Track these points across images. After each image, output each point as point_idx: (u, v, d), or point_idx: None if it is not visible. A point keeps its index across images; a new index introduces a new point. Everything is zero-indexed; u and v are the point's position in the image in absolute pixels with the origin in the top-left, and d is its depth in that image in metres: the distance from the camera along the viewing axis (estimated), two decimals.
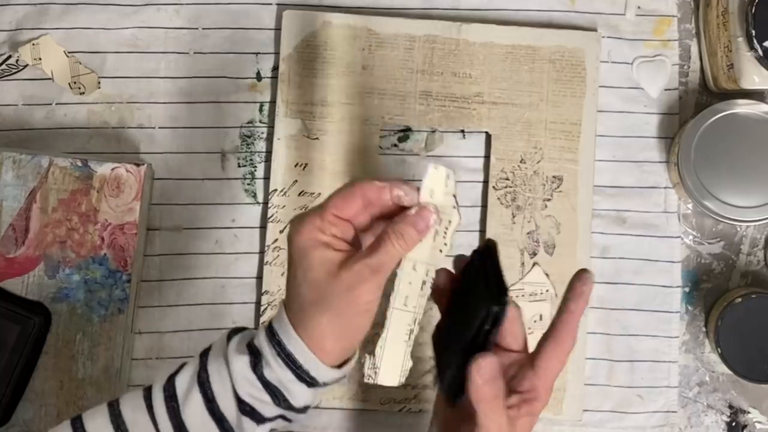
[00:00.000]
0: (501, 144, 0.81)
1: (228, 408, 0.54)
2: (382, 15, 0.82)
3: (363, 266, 0.52)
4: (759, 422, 0.80)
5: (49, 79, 0.82)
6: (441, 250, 0.56)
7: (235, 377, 0.53)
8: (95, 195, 0.77)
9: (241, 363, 0.53)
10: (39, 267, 0.76)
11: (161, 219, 0.81)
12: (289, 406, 0.54)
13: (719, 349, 0.76)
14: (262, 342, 0.53)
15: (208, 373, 0.54)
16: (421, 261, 0.55)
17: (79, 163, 0.77)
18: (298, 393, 0.54)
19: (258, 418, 0.54)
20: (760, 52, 0.74)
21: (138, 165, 0.78)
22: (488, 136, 0.82)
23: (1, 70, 0.82)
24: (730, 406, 0.81)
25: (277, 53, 0.82)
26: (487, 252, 0.56)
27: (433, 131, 0.82)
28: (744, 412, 0.81)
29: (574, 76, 0.81)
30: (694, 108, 0.83)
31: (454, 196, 0.56)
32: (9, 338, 0.74)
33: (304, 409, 0.56)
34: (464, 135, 0.82)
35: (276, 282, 0.79)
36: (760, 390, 0.80)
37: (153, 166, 0.81)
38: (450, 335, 0.57)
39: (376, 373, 0.57)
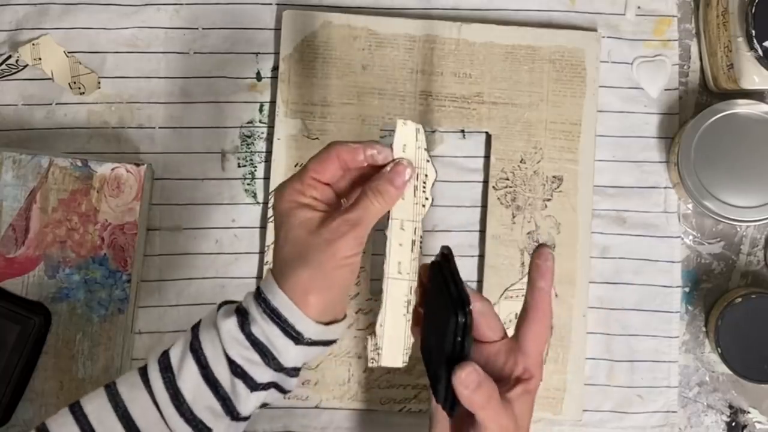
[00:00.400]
0: (501, 144, 0.81)
1: (221, 372, 0.55)
2: (382, 15, 0.82)
3: (341, 221, 0.54)
4: (759, 422, 0.80)
5: (49, 79, 0.82)
6: (424, 205, 0.57)
7: (224, 338, 0.54)
8: (95, 195, 0.77)
9: (229, 324, 0.54)
10: (39, 267, 0.76)
11: (161, 219, 0.81)
12: (279, 366, 0.55)
13: (719, 349, 0.76)
14: (249, 302, 0.55)
15: (200, 340, 0.55)
16: (407, 219, 0.56)
17: (79, 163, 0.77)
18: (285, 349, 0.54)
19: (251, 384, 0.55)
20: (760, 52, 0.74)
21: (138, 165, 0.78)
22: (488, 136, 0.82)
23: (1, 70, 0.82)
24: (730, 406, 0.81)
25: (277, 53, 0.82)
26: (445, 260, 0.56)
27: (433, 131, 0.82)
28: (744, 412, 0.81)
29: (574, 76, 0.81)
30: (694, 108, 0.83)
31: (426, 151, 0.57)
32: (9, 338, 0.74)
33: (294, 371, 0.56)
34: (464, 135, 0.82)
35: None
36: (760, 390, 0.80)
37: (153, 166, 0.81)
38: (431, 347, 0.57)
39: (378, 354, 0.57)
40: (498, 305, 0.79)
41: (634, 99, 0.83)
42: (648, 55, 0.83)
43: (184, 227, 0.81)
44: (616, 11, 0.83)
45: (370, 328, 0.79)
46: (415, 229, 0.57)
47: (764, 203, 0.77)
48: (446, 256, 0.57)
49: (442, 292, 0.55)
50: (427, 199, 0.57)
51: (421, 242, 0.57)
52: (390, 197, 0.55)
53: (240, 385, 0.55)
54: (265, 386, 0.56)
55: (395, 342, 0.57)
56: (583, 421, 0.80)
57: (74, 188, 0.77)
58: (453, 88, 0.81)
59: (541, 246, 0.58)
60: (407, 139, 0.56)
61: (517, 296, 0.79)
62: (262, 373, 0.55)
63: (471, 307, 0.53)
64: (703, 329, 0.81)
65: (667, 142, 0.82)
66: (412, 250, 0.57)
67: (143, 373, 0.56)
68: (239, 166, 0.82)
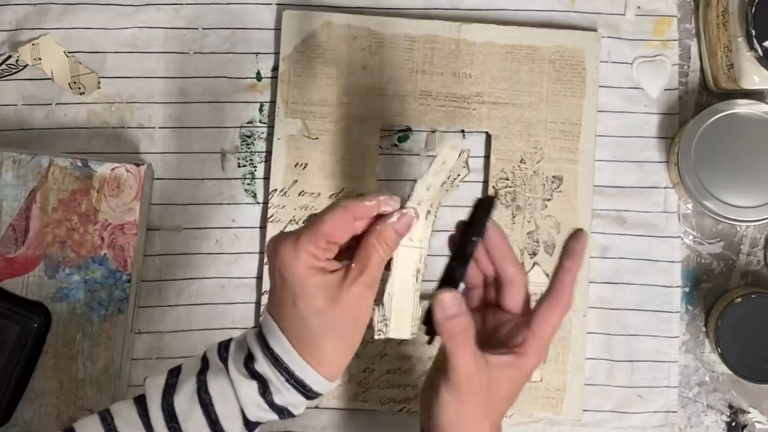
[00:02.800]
0: (501, 144, 0.81)
1: (232, 427, 0.55)
2: (382, 15, 0.82)
3: (359, 285, 0.53)
4: (759, 422, 0.80)
5: (49, 79, 0.82)
6: (447, 190, 0.56)
7: (243, 402, 0.54)
8: (95, 195, 0.77)
9: (248, 389, 0.54)
10: (39, 267, 0.76)
11: (161, 219, 0.81)
12: (290, 415, 0.56)
13: (719, 349, 0.76)
14: (266, 369, 0.54)
15: (210, 395, 0.54)
16: (426, 199, 0.55)
17: (79, 163, 0.77)
18: (301, 407, 0.56)
19: (256, 426, 0.56)
20: (760, 52, 0.74)
21: (138, 165, 0.78)
22: (488, 136, 0.82)
23: (1, 70, 0.82)
24: (730, 406, 0.81)
25: (277, 53, 0.82)
26: (488, 201, 0.56)
27: (433, 131, 0.82)
28: (744, 412, 0.81)
29: (574, 76, 0.81)
30: (694, 108, 0.83)
31: (467, 161, 0.56)
32: (9, 338, 0.74)
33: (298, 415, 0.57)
34: (464, 135, 0.82)
35: None
36: (760, 390, 0.80)
37: (153, 166, 0.81)
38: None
39: (386, 326, 0.56)
40: None
41: (634, 99, 0.83)
42: (648, 55, 0.83)
43: (184, 227, 0.81)
44: (616, 11, 0.83)
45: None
46: (432, 203, 0.56)
47: (764, 203, 0.77)
48: (494, 198, 0.57)
49: (467, 224, 0.55)
50: (452, 186, 0.56)
51: (436, 213, 0.56)
52: (396, 245, 0.55)
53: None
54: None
55: (403, 313, 0.57)
56: (583, 421, 0.80)
57: (74, 188, 0.77)
58: (453, 88, 0.81)
59: (578, 230, 0.57)
60: (445, 165, 0.55)
61: None
62: (271, 422, 0.57)
63: (483, 238, 0.53)
64: (703, 329, 0.81)
65: (667, 142, 0.82)
66: (426, 218, 0.56)
67: (143, 413, 0.55)
68: (239, 166, 0.82)
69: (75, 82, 0.82)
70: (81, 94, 0.82)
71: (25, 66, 0.82)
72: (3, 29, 0.82)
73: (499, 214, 0.80)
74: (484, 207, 0.56)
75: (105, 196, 0.77)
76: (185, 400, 0.55)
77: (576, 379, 0.79)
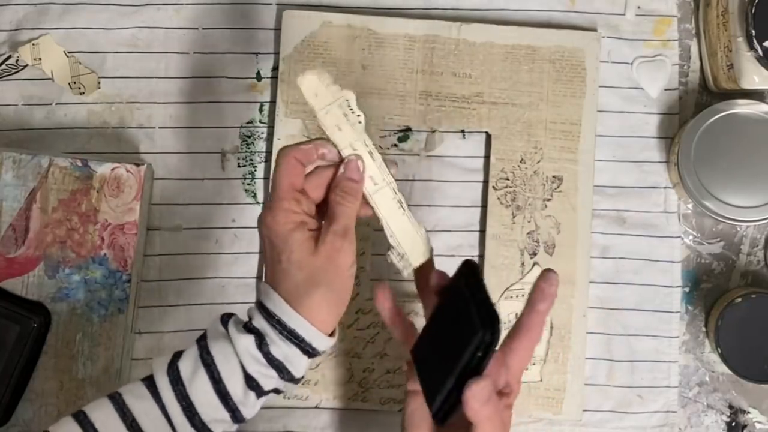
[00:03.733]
0: (501, 144, 0.81)
1: (235, 385, 0.57)
2: (382, 15, 0.82)
3: (333, 235, 0.58)
4: (759, 422, 0.80)
5: (49, 79, 0.82)
6: (360, 122, 0.60)
7: (242, 356, 0.57)
8: (95, 195, 0.77)
9: (246, 342, 0.57)
10: (39, 267, 0.76)
11: (161, 219, 0.81)
12: (291, 378, 0.58)
13: (719, 349, 0.76)
14: (262, 323, 0.57)
15: (212, 355, 0.57)
16: (353, 141, 0.60)
17: (79, 163, 0.77)
18: (299, 364, 0.58)
19: (260, 393, 0.58)
20: (760, 52, 0.74)
21: (138, 165, 0.78)
22: (488, 136, 0.82)
23: (1, 70, 0.82)
24: (730, 406, 0.81)
25: (277, 53, 0.82)
26: (471, 273, 0.56)
27: (433, 131, 0.82)
28: (744, 412, 0.81)
29: (574, 76, 0.81)
30: (694, 108, 0.83)
31: (334, 83, 0.60)
32: (9, 338, 0.74)
33: (300, 379, 0.60)
34: (464, 135, 0.82)
35: None
36: (760, 390, 0.80)
37: (153, 166, 0.81)
38: (435, 356, 0.58)
39: (406, 259, 0.60)
40: (498, 305, 0.79)
41: (634, 99, 0.83)
42: (648, 55, 0.83)
43: (184, 227, 0.81)
44: (616, 11, 0.83)
45: (370, 328, 0.79)
46: (365, 142, 0.60)
47: (764, 203, 0.77)
48: (473, 269, 0.57)
49: (464, 305, 0.55)
50: (358, 116, 0.60)
51: (376, 149, 0.60)
52: (357, 192, 0.59)
53: (251, 395, 0.58)
54: (269, 391, 0.59)
55: (412, 239, 0.61)
56: (583, 421, 0.80)
57: (74, 188, 0.77)
58: (453, 88, 0.81)
59: (548, 270, 0.59)
60: (320, 98, 0.59)
61: (517, 296, 0.79)
62: (273, 384, 0.58)
63: (499, 327, 0.53)
64: (703, 329, 0.81)
65: (667, 142, 0.82)
66: (373, 159, 0.60)
67: (150, 384, 0.57)
68: (239, 166, 0.82)
69: (75, 82, 0.82)
70: (81, 94, 0.82)
71: (25, 66, 0.82)
72: (3, 29, 0.82)
73: (500, 214, 0.80)
74: (475, 278, 0.56)
75: (105, 196, 0.77)
76: (189, 364, 0.57)
77: (576, 379, 0.79)
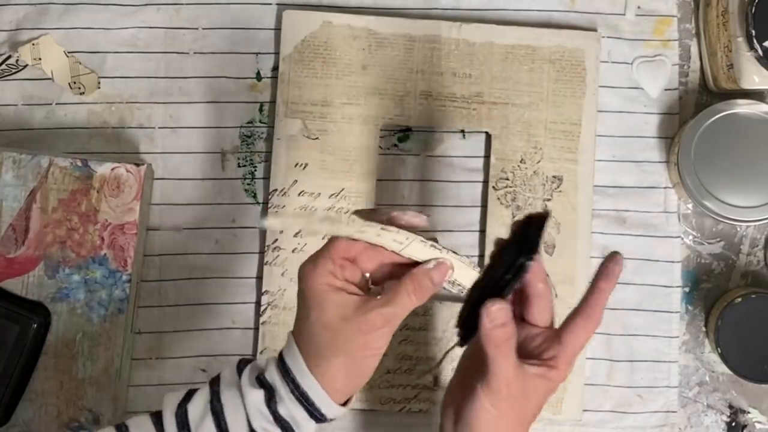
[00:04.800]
0: (501, 144, 0.81)
1: None
2: (382, 15, 0.82)
3: (377, 314, 0.55)
4: (759, 422, 0.80)
5: (49, 79, 0.82)
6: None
7: (249, 410, 0.55)
8: (95, 195, 0.77)
9: (255, 397, 0.55)
10: (39, 267, 0.76)
11: (161, 219, 0.81)
12: None
13: (719, 349, 0.76)
14: (275, 378, 0.56)
15: (222, 403, 0.56)
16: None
17: (79, 163, 0.77)
18: (306, 427, 0.56)
19: None
20: (760, 52, 0.74)
21: (138, 165, 0.78)
22: (488, 136, 0.82)
23: (1, 70, 0.82)
24: (730, 406, 0.81)
25: (277, 53, 0.82)
26: (538, 219, 0.56)
27: (433, 131, 0.82)
28: (744, 412, 0.81)
29: (574, 76, 0.81)
30: (694, 108, 0.83)
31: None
32: (9, 338, 0.74)
33: None
34: (464, 135, 0.82)
35: (276, 282, 0.79)
36: (760, 390, 0.80)
37: (153, 166, 0.81)
38: (476, 284, 0.58)
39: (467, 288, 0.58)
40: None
41: (634, 99, 0.83)
42: (648, 55, 0.83)
43: (184, 227, 0.81)
44: (616, 11, 0.83)
45: None
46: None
47: (764, 203, 0.77)
48: (543, 217, 0.56)
49: (514, 244, 0.55)
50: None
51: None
52: (427, 294, 0.57)
53: None
54: None
55: (466, 273, 0.58)
56: (583, 421, 0.80)
57: (74, 188, 0.77)
58: (453, 88, 0.81)
59: (615, 252, 0.58)
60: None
61: None
62: None
63: (535, 259, 0.53)
64: (703, 329, 0.81)
65: (667, 142, 0.82)
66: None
67: (157, 421, 0.56)
68: (239, 166, 0.82)
69: (75, 82, 0.82)
70: (81, 94, 0.82)
71: (25, 66, 0.82)
72: (3, 29, 0.82)
73: (500, 214, 0.80)
74: (537, 224, 0.56)
75: (105, 196, 0.77)
76: (199, 409, 0.56)
77: (576, 379, 0.79)
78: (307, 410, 0.55)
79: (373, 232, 0.56)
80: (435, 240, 0.57)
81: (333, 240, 0.56)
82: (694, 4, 0.84)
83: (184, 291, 0.80)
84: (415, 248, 0.56)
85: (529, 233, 0.55)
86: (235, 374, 0.57)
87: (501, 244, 0.58)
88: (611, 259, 0.58)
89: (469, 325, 0.55)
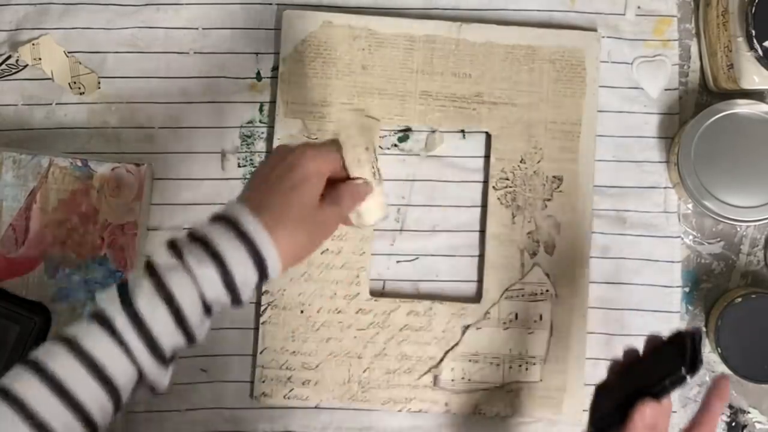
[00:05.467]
0: (501, 144, 0.81)
1: (193, 315, 0.57)
2: (382, 15, 0.82)
3: (336, 214, 0.62)
4: (759, 422, 0.80)
5: (49, 79, 0.82)
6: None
7: (202, 285, 0.56)
8: (95, 195, 0.77)
9: (209, 272, 0.56)
10: (39, 267, 0.76)
11: (161, 219, 0.81)
12: (237, 301, 0.58)
13: (719, 349, 0.76)
14: (226, 245, 0.57)
15: (170, 288, 0.56)
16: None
17: (79, 163, 0.77)
18: (250, 291, 0.59)
19: (209, 314, 0.58)
20: (760, 52, 0.74)
21: (138, 165, 0.78)
22: (488, 136, 0.82)
23: (1, 70, 0.82)
24: (730, 406, 0.81)
25: (277, 53, 0.82)
26: (694, 337, 0.59)
27: (433, 131, 0.82)
28: (744, 412, 0.81)
29: (574, 76, 0.81)
30: (694, 108, 0.83)
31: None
32: (9, 338, 0.74)
33: (242, 305, 0.59)
34: (464, 135, 0.82)
35: (276, 282, 0.79)
36: (760, 390, 0.80)
37: (153, 166, 0.81)
38: (620, 382, 0.61)
39: (361, 216, 0.66)
40: (498, 305, 0.79)
41: (634, 99, 0.83)
42: (648, 55, 0.83)
43: (184, 227, 0.81)
44: (616, 11, 0.84)
45: (370, 328, 0.79)
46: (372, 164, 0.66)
47: (764, 203, 0.77)
48: (699, 336, 0.59)
49: (671, 349, 0.58)
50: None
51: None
52: (356, 202, 0.64)
53: (206, 320, 0.58)
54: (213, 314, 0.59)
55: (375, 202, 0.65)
56: (583, 421, 0.79)
57: (74, 188, 0.77)
58: (453, 88, 0.81)
59: (723, 375, 0.61)
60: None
61: (516, 296, 0.79)
62: (218, 308, 0.58)
63: (690, 379, 0.56)
64: (703, 329, 0.81)
65: (667, 142, 0.82)
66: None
67: (104, 323, 0.55)
68: (239, 166, 0.82)
69: (75, 82, 0.82)
70: (81, 94, 0.82)
71: (25, 66, 0.82)
72: (3, 29, 0.82)
73: (500, 214, 0.80)
74: (697, 340, 0.58)
75: (105, 196, 0.77)
76: (146, 300, 0.56)
77: (576, 379, 0.79)
78: (260, 275, 0.58)
79: (364, 156, 0.65)
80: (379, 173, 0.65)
81: (337, 148, 0.64)
82: (694, 4, 0.84)
83: None
84: (368, 175, 0.65)
85: (693, 347, 0.57)
86: (172, 256, 0.57)
87: (656, 343, 0.61)
88: (722, 379, 0.60)
89: (608, 420, 0.58)
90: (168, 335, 0.56)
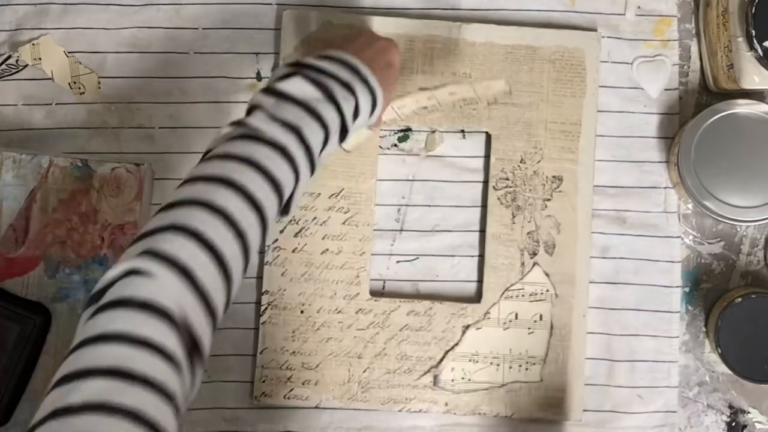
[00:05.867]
0: (501, 144, 0.81)
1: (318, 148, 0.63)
2: (382, 15, 0.82)
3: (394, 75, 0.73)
4: (759, 422, 0.80)
5: (49, 79, 0.82)
6: None
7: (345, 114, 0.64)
8: (95, 195, 0.77)
9: (348, 107, 0.64)
10: (39, 267, 0.76)
11: None
12: (342, 139, 0.65)
13: (719, 349, 0.76)
14: (357, 86, 0.65)
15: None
16: None
17: (79, 163, 0.77)
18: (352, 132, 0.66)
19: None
20: (760, 52, 0.74)
21: (138, 165, 0.78)
22: (488, 136, 0.82)
23: (1, 70, 0.82)
24: (730, 406, 0.81)
25: (277, 53, 0.82)
26: None
27: (433, 131, 0.82)
28: (744, 412, 0.81)
29: (574, 76, 0.81)
30: (694, 108, 0.83)
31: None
32: (9, 338, 0.74)
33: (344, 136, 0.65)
34: (464, 135, 0.82)
35: (276, 282, 0.79)
36: (760, 390, 0.80)
37: (153, 166, 0.81)
38: None
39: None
40: (498, 305, 0.79)
41: (634, 99, 0.83)
42: (648, 55, 0.83)
43: None
44: (616, 11, 0.83)
45: (370, 328, 0.79)
46: None
47: (764, 203, 0.77)
48: None
49: None
50: None
51: None
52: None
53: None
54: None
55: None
56: (583, 421, 0.80)
57: (74, 188, 0.77)
58: (453, 88, 0.81)
59: None
60: None
61: (516, 296, 0.79)
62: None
63: None
64: (703, 329, 0.81)
65: (667, 142, 0.82)
66: None
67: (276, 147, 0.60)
68: None
69: (75, 82, 0.82)
70: (81, 94, 0.82)
71: (25, 66, 0.82)
72: (3, 29, 0.82)
73: (500, 214, 0.80)
74: None
75: (105, 196, 0.77)
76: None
77: (576, 379, 0.79)
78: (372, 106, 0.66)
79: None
80: None
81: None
82: (694, 4, 0.84)
83: None
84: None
85: None
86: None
87: None
88: None
89: None
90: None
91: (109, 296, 0.50)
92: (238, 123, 0.61)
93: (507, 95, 0.81)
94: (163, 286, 0.51)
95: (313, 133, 0.61)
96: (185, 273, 0.52)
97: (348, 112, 0.64)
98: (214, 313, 0.53)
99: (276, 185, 0.58)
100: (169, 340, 0.50)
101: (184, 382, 0.51)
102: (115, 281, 0.51)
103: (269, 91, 0.62)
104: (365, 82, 0.65)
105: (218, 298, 0.54)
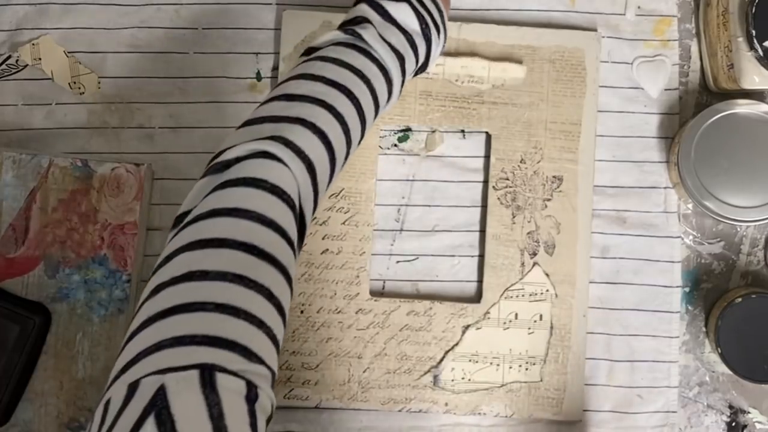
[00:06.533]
0: (501, 144, 0.81)
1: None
2: None
3: None
4: (759, 422, 0.80)
5: (49, 79, 0.82)
6: None
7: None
8: (95, 195, 0.77)
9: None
10: (39, 267, 0.76)
11: (161, 219, 0.81)
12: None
13: (719, 349, 0.76)
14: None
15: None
16: None
17: (79, 163, 0.77)
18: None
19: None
20: (760, 52, 0.74)
21: (138, 165, 0.78)
22: (488, 136, 0.82)
23: (1, 70, 0.82)
24: (730, 406, 0.81)
25: (277, 53, 0.82)
26: None
27: (433, 131, 0.82)
28: (744, 412, 0.81)
29: (574, 76, 0.81)
30: (694, 108, 0.83)
31: None
32: (9, 338, 0.74)
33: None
34: (464, 135, 0.82)
35: None
36: (760, 390, 0.80)
37: (153, 166, 0.81)
38: None
39: None
40: (498, 305, 0.79)
41: (634, 99, 0.83)
42: (648, 55, 0.83)
43: None
44: (616, 11, 0.84)
45: (370, 328, 0.79)
46: None
47: (764, 203, 0.77)
48: None
49: None
50: None
51: None
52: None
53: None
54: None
55: None
56: (583, 421, 0.80)
57: (74, 188, 0.77)
58: (453, 88, 0.81)
59: None
60: None
61: (516, 296, 0.79)
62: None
63: None
64: (703, 329, 0.81)
65: (667, 142, 0.82)
66: None
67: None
68: None
69: (75, 82, 0.82)
70: (81, 94, 0.82)
71: (25, 66, 0.82)
72: (3, 29, 0.82)
73: (500, 214, 0.80)
74: None
75: (105, 196, 0.77)
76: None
77: (576, 379, 0.79)
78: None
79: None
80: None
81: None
82: (694, 4, 0.84)
83: None
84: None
85: None
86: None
87: None
88: None
89: None
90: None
91: (240, 172, 0.52)
92: (349, 31, 0.62)
93: (516, 84, 0.81)
94: (293, 176, 0.53)
95: (410, 65, 0.63)
96: (311, 169, 0.54)
97: (434, 53, 0.67)
98: (311, 215, 0.56)
99: (376, 107, 0.61)
100: (291, 228, 0.52)
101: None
102: (243, 158, 0.53)
103: (376, 6, 0.63)
104: (444, 24, 0.67)
105: (316, 202, 0.56)
